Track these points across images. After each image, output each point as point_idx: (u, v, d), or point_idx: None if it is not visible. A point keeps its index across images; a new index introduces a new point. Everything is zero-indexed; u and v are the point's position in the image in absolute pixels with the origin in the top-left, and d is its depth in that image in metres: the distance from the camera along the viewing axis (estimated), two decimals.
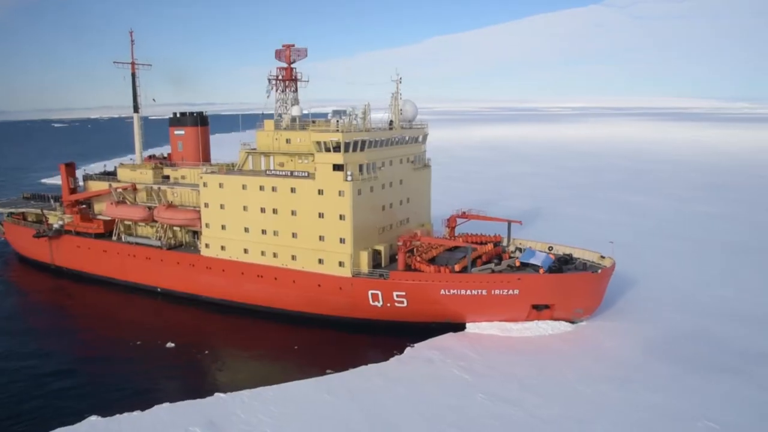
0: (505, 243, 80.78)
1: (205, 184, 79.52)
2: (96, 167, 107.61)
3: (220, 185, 78.07)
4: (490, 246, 77.10)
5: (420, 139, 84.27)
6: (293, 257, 73.66)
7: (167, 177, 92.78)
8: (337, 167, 68.88)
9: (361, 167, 70.45)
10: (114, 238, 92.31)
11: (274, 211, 74.18)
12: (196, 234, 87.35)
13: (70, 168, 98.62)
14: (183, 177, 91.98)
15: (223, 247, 79.22)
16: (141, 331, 72.57)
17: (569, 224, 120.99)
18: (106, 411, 51.49)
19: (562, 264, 71.31)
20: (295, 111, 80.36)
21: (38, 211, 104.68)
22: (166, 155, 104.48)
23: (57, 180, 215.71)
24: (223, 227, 78.97)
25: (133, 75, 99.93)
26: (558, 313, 68.40)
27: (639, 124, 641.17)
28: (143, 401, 53.35)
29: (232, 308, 79.38)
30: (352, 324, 71.97)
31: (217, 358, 65.35)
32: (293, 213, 72.85)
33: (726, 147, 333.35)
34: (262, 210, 75.12)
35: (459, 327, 69.74)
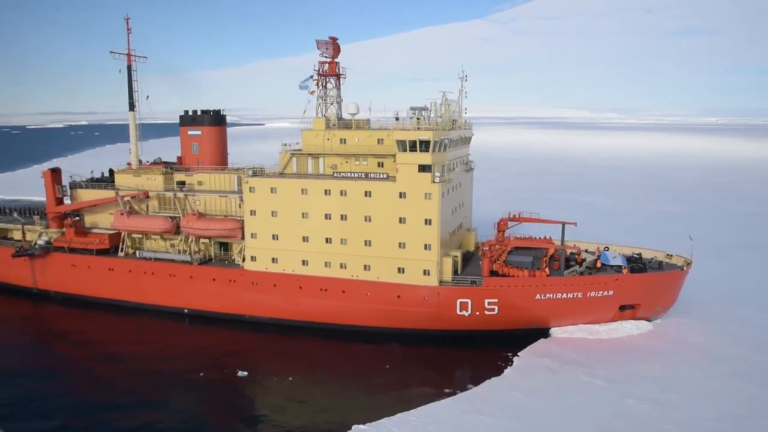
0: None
1: (251, 189, 71.14)
2: (66, 169, 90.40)
3: (272, 190, 70.17)
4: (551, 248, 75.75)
5: (469, 140, 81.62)
6: (366, 267, 67.69)
7: (182, 183, 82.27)
8: (424, 168, 64.27)
9: (443, 168, 66.40)
10: (121, 253, 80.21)
11: (343, 217, 67.79)
12: (225, 246, 78.16)
13: (57, 174, 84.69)
14: (200, 183, 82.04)
15: (274, 260, 71.20)
16: (196, 360, 62.96)
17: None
18: None
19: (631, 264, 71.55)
20: (351, 108, 74.47)
21: (5, 225, 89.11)
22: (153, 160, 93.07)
23: None
24: (274, 237, 70.99)
25: (129, 68, 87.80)
26: (641, 312, 68.45)
27: (536, 132, 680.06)
28: None
29: (283, 327, 71.57)
30: (422, 336, 67.44)
31: (311, 385, 57.78)
32: (367, 219, 66.96)
33: (628, 152, 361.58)
34: (327, 216, 68.38)
35: (539, 332, 67.68)
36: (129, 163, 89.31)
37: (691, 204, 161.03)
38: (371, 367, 61.55)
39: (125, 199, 79.97)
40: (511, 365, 60.18)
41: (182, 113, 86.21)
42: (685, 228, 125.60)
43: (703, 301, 76.28)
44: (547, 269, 66.82)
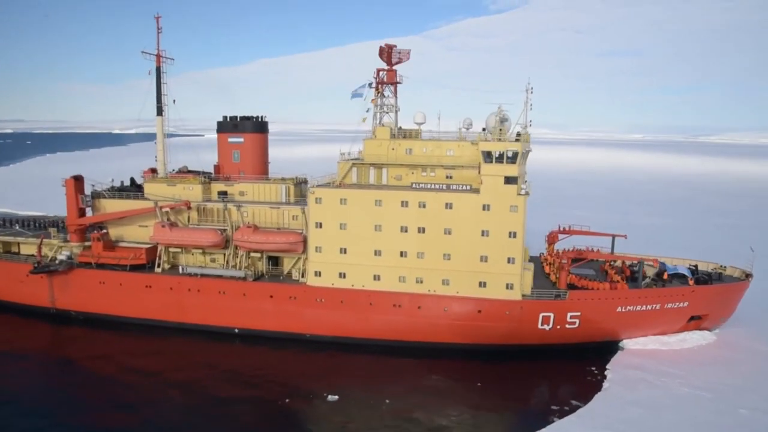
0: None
1: (318, 200, 67.38)
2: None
3: (342, 201, 66.76)
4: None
5: None
6: (444, 281, 65.44)
7: (224, 193, 77.09)
8: (509, 180, 63.07)
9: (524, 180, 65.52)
10: (158, 269, 73.90)
11: (421, 229, 65.34)
12: (275, 261, 73.66)
13: (79, 183, 77.17)
14: (242, 193, 77.34)
15: (342, 275, 67.65)
16: (274, 385, 58.44)
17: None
18: None
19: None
20: (419, 118, 72.36)
21: (15, 239, 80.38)
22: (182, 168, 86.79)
23: None
24: (342, 251, 67.48)
25: (158, 69, 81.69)
26: (706, 323, 69.81)
27: None
28: None
29: (347, 345, 67.93)
30: (492, 352, 65.93)
31: (414, 407, 54.23)
32: (447, 231, 64.82)
33: (581, 166, 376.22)
34: (403, 229, 65.71)
35: (608, 345, 67.65)
36: (145, 172, 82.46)
37: (673, 216, 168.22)
38: (463, 385, 59.23)
39: (164, 210, 73.96)
40: (605, 379, 59.58)
41: (221, 119, 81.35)
42: (686, 241, 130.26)
43: (748, 310, 78.74)
44: (625, 282, 67.04)
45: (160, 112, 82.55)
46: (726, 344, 68.29)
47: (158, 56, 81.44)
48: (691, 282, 68.54)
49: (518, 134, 73.76)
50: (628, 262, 73.51)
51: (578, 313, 64.36)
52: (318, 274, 68.30)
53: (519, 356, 65.63)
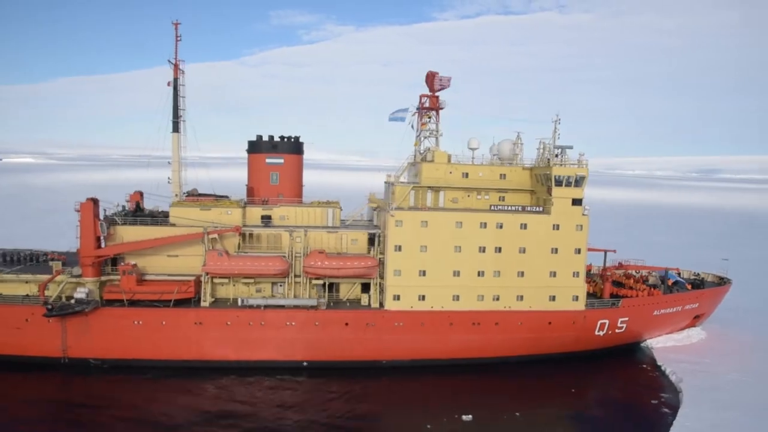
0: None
1: (398, 223, 66.73)
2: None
3: (423, 223, 67.04)
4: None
5: None
6: (519, 297, 69.09)
7: (268, 217, 71.85)
8: (576, 201, 69.47)
9: None
10: (204, 303, 65.87)
11: (497, 249, 68.38)
12: (332, 287, 70.59)
13: (96, 207, 65.54)
14: (283, 217, 72.93)
15: (422, 297, 67.49)
16: (401, 414, 57.30)
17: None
18: None
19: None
20: (473, 144, 75.42)
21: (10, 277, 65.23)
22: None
23: None
24: (422, 273, 67.48)
25: (176, 81, 73.34)
26: (700, 321, 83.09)
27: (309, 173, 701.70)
28: None
29: (421, 368, 67.88)
30: (546, 360, 71.17)
31: (548, 419, 57.08)
32: (521, 250, 68.79)
33: None
34: (481, 249, 68.11)
35: (629, 347, 77.41)
36: (132, 195, 73.52)
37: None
38: (565, 393, 63.33)
39: (211, 236, 66.59)
40: (665, 375, 68.19)
41: (254, 138, 75.74)
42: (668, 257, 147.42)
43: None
44: (654, 289, 77.15)
45: (176, 128, 74.14)
46: (717, 337, 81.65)
47: (176, 66, 73.50)
48: (688, 287, 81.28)
49: (548, 160, 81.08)
50: (632, 271, 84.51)
51: (627, 318, 72.66)
52: (397, 297, 67.27)
53: (565, 363, 71.21)
